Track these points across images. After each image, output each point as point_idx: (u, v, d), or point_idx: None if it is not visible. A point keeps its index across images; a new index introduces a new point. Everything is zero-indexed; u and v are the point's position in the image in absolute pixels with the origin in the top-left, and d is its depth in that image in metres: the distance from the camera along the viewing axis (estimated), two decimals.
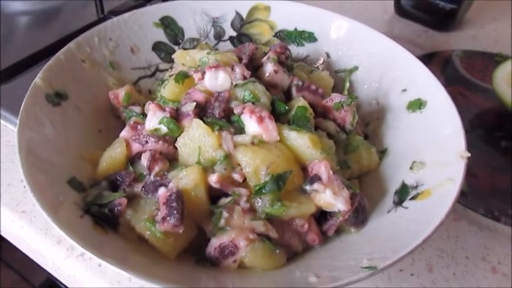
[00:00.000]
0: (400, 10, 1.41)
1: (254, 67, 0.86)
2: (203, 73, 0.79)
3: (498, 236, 0.83)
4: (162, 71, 0.98)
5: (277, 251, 0.67)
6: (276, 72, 0.83)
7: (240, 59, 0.85)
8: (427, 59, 1.19)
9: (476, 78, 1.16)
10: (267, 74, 0.83)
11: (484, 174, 0.93)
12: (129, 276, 0.72)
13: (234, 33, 1.02)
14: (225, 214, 0.66)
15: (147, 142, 0.74)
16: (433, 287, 0.75)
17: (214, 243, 0.66)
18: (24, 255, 0.84)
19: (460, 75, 1.17)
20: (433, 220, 0.62)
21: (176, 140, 0.74)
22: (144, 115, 0.81)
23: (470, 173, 0.90)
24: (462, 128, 0.74)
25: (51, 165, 0.69)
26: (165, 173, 0.72)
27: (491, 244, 0.81)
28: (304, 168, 0.73)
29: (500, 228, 0.84)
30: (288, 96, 0.83)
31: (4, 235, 0.87)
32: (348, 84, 0.90)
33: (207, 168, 0.70)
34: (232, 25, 1.02)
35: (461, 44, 1.32)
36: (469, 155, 0.70)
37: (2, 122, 0.95)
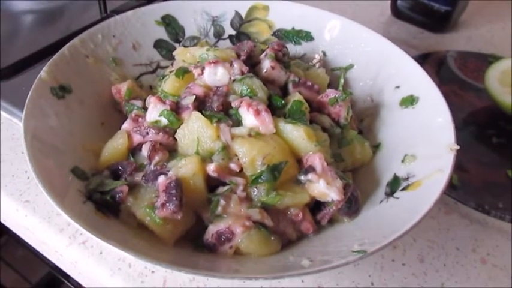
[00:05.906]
0: (396, 12, 1.44)
1: (252, 64, 0.88)
2: (203, 68, 0.82)
3: (488, 229, 0.85)
4: (163, 67, 1.00)
5: (272, 238, 0.69)
6: (273, 68, 0.85)
7: (239, 56, 0.87)
8: (422, 59, 1.21)
9: (470, 78, 1.19)
10: (265, 70, 0.85)
11: (475, 169, 0.95)
12: (129, 262, 0.75)
13: (233, 32, 1.05)
14: (222, 202, 0.69)
15: (147, 133, 0.76)
16: (423, 276, 0.77)
17: (212, 229, 0.68)
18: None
19: (454, 75, 1.19)
20: (422, 208, 0.64)
21: (176, 131, 0.76)
22: (145, 109, 0.83)
23: (462, 168, 0.94)
24: (452, 122, 0.76)
25: (55, 152, 0.71)
26: (165, 163, 0.74)
27: (481, 236, 0.84)
28: (299, 160, 0.75)
29: (490, 221, 0.86)
30: (284, 92, 0.86)
31: (8, 225, 0.89)
32: (342, 81, 0.93)
33: (205, 158, 0.72)
34: (232, 24, 1.05)
35: (456, 45, 1.35)
36: (458, 147, 0.72)
37: (7, 116, 0.98)
